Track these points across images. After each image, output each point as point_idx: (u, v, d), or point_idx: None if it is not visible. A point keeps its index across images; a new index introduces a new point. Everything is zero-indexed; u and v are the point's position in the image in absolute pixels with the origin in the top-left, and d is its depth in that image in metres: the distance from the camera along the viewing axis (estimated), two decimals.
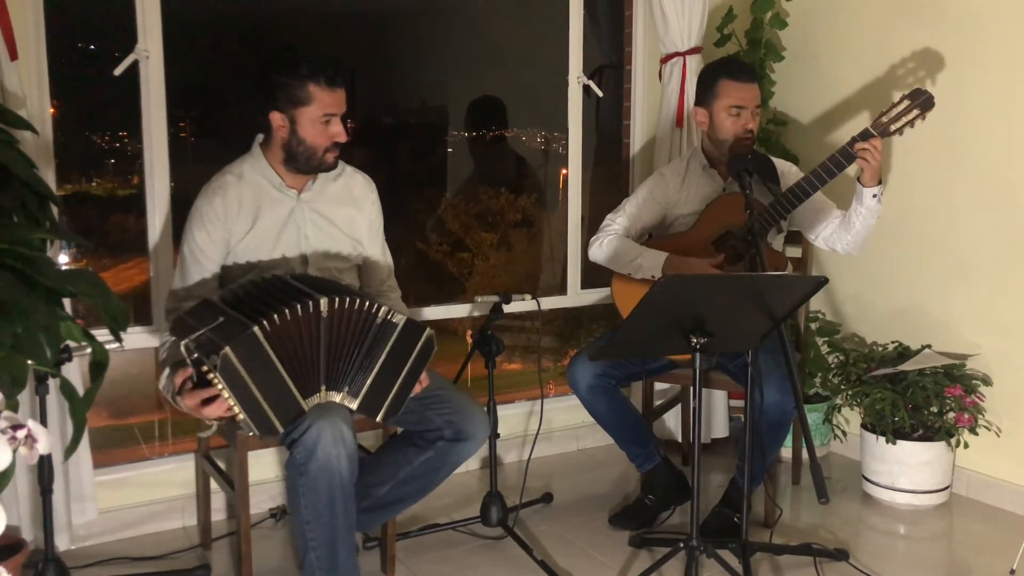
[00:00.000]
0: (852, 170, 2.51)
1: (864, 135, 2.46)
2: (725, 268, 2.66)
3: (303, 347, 1.98)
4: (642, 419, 2.89)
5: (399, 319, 2.05)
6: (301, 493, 2.04)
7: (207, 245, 2.25)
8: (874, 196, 2.50)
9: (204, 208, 2.26)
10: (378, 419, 2.12)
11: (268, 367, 1.92)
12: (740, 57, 3.45)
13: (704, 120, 2.75)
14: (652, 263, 2.68)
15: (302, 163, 2.28)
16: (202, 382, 1.94)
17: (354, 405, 2.08)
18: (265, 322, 1.89)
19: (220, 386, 1.86)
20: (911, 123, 2.45)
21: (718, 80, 2.69)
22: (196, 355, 1.89)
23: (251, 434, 1.97)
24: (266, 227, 2.29)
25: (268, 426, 1.96)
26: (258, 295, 2.02)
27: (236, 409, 1.89)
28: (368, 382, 2.07)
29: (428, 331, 2.10)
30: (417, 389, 2.16)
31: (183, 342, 1.91)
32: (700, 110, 2.75)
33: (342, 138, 2.27)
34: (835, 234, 2.67)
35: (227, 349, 1.84)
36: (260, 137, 2.34)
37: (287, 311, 1.92)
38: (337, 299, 1.97)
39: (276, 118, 2.24)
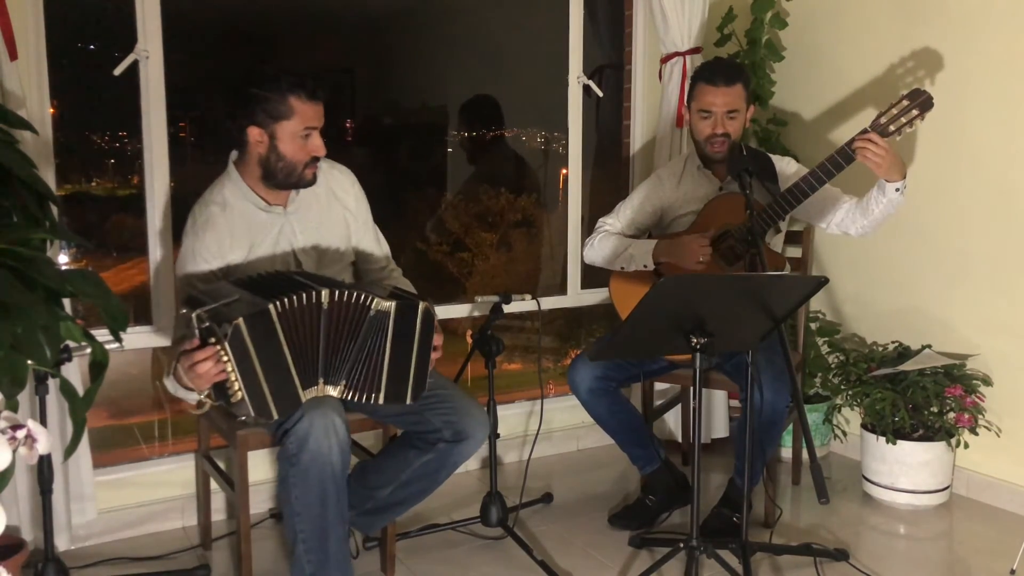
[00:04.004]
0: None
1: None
2: (717, 262, 2.66)
3: (307, 337, 1.98)
4: (643, 421, 2.88)
5: (388, 305, 2.03)
6: (292, 484, 2.04)
7: (207, 280, 2.23)
8: (897, 190, 2.47)
9: (196, 247, 2.23)
10: (408, 401, 2.11)
11: (275, 348, 1.93)
12: (739, 57, 3.45)
13: (687, 122, 2.81)
14: (642, 251, 2.69)
15: (280, 179, 2.25)
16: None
17: (380, 399, 2.08)
18: (279, 303, 1.91)
19: (226, 358, 1.86)
20: (910, 124, 2.44)
21: (696, 83, 2.75)
22: (207, 324, 1.89)
23: (242, 417, 1.95)
24: (260, 252, 2.29)
25: (264, 410, 1.94)
26: (265, 284, 2.03)
27: (236, 385, 1.88)
28: (385, 373, 2.07)
29: (423, 305, 2.08)
30: (435, 356, 2.14)
31: (195, 312, 1.90)
32: (686, 111, 2.82)
33: (321, 152, 2.25)
34: (848, 218, 2.64)
35: (240, 320, 1.85)
36: (235, 154, 2.31)
37: (296, 297, 1.93)
38: (337, 292, 1.98)
39: (254, 133, 2.20)
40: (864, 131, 2.45)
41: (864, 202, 2.59)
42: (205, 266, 2.23)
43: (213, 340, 1.88)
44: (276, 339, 1.93)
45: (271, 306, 1.90)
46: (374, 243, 2.51)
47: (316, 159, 2.26)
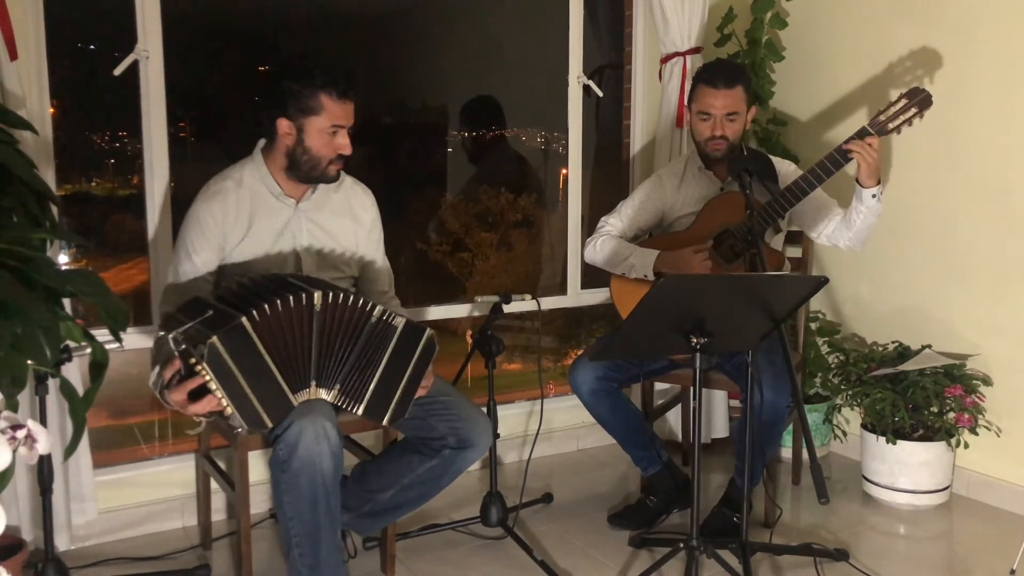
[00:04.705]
0: (852, 168, 2.51)
1: (861, 134, 2.46)
2: (717, 261, 2.66)
3: (294, 341, 1.97)
4: (645, 422, 2.88)
5: (398, 322, 2.05)
6: (283, 490, 2.04)
7: (203, 249, 2.24)
8: (873, 196, 2.50)
9: (202, 213, 2.25)
10: (384, 423, 2.11)
11: (257, 359, 1.92)
12: (739, 57, 3.45)
13: (688, 122, 2.83)
14: (643, 262, 2.70)
15: (304, 172, 2.28)
16: (190, 377, 1.93)
17: (360, 410, 2.08)
18: (254, 312, 1.89)
19: (208, 378, 1.86)
20: (909, 122, 2.45)
21: (696, 85, 2.75)
22: (184, 347, 1.89)
23: (239, 429, 1.96)
24: (260, 235, 2.29)
25: (257, 421, 1.94)
26: (254, 290, 2.02)
27: (224, 402, 1.88)
28: (372, 386, 2.07)
29: (429, 332, 2.10)
30: (421, 392, 2.16)
31: (171, 335, 1.90)
32: (687, 111, 2.83)
33: (347, 151, 2.27)
34: (837, 231, 2.67)
35: (214, 339, 1.84)
36: (262, 142, 2.33)
37: (278, 302, 1.92)
38: (331, 294, 1.98)
39: (283, 125, 2.23)
40: (863, 130, 2.45)
41: (847, 215, 2.61)
42: (207, 231, 2.24)
43: (193, 361, 1.88)
44: (255, 350, 1.91)
45: (244, 319, 1.88)
46: (382, 267, 2.52)
47: (342, 156, 2.28)
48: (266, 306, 1.91)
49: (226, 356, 1.86)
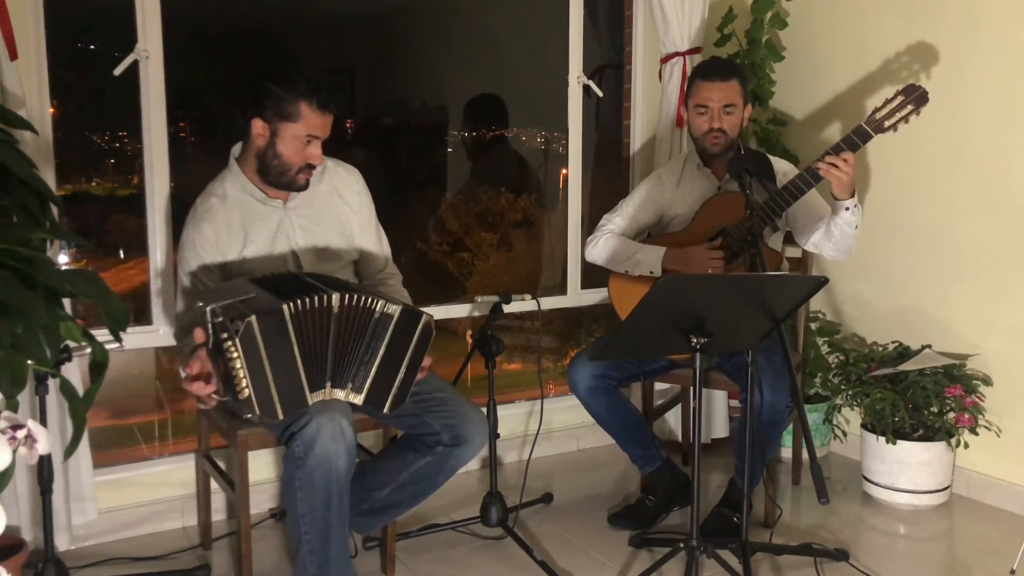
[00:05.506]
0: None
1: (859, 132, 2.45)
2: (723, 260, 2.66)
3: (317, 340, 1.98)
4: (643, 421, 2.88)
5: (393, 309, 2.03)
6: (297, 487, 2.04)
7: (204, 272, 2.25)
8: (847, 209, 2.48)
9: (195, 237, 2.26)
10: (385, 411, 2.11)
11: (286, 349, 1.92)
12: (739, 57, 3.45)
13: (686, 120, 2.85)
14: (651, 258, 2.69)
15: (273, 176, 2.27)
16: (217, 352, 1.93)
17: (359, 400, 2.08)
18: (293, 304, 1.91)
19: (236, 355, 1.86)
20: (905, 119, 2.44)
21: (692, 81, 2.78)
22: (220, 319, 1.89)
23: (247, 416, 1.95)
24: (257, 243, 2.29)
25: (270, 410, 1.94)
26: (276, 284, 2.03)
27: (244, 383, 1.88)
28: (371, 376, 2.06)
29: (425, 317, 2.09)
30: (421, 375, 2.15)
31: (210, 307, 1.90)
32: (685, 111, 2.85)
33: (318, 161, 2.26)
34: (821, 241, 2.66)
35: (252, 318, 1.85)
36: (236, 150, 2.33)
37: (308, 300, 1.93)
38: (347, 296, 1.98)
39: (257, 126, 2.22)
40: (860, 128, 2.44)
41: (827, 226, 2.60)
42: (204, 255, 2.24)
43: (224, 336, 1.88)
44: (288, 340, 1.92)
45: (285, 306, 1.90)
46: (375, 243, 2.51)
47: (311, 166, 2.27)
48: (301, 301, 1.92)
49: (259, 338, 1.87)
